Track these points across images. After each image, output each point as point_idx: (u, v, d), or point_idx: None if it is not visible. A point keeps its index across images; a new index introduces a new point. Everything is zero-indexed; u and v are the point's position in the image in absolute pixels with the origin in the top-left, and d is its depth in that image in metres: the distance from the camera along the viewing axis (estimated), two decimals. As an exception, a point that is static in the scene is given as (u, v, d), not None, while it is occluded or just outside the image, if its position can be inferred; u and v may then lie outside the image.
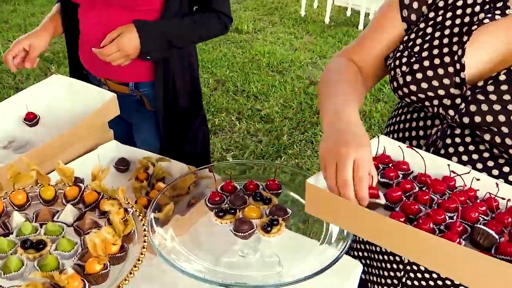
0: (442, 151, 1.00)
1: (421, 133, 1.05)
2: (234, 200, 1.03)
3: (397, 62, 1.02)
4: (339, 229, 0.99)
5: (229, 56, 4.84)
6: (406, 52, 1.02)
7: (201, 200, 1.09)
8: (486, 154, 0.96)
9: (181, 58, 1.70)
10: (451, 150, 0.99)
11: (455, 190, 0.92)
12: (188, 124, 1.79)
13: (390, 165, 0.97)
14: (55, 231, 0.95)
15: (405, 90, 1.00)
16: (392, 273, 1.12)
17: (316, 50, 5.00)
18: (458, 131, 0.98)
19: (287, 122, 3.66)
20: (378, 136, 1.01)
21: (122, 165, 1.32)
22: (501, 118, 0.90)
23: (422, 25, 1.03)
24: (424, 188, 0.92)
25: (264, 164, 1.21)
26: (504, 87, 0.91)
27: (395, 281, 1.11)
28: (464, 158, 0.98)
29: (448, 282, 1.01)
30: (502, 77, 0.91)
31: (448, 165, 0.95)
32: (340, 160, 0.81)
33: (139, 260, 0.88)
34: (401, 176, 0.95)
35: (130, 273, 0.86)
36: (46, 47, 1.71)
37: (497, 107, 0.91)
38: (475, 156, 0.97)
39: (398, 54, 1.03)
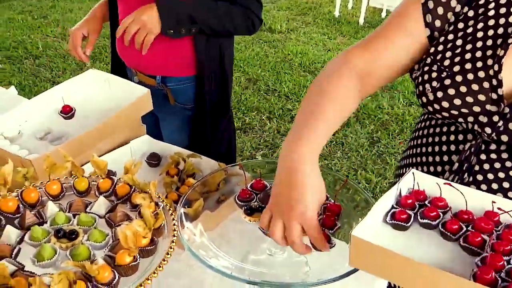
0: (477, 167, 0.96)
1: (452, 147, 1.00)
2: (263, 198, 1.03)
3: (426, 77, 0.96)
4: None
5: (261, 55, 4.84)
6: (435, 66, 0.95)
7: (231, 197, 1.10)
8: None
9: (213, 57, 1.70)
10: (486, 166, 0.95)
11: (500, 226, 0.85)
12: (216, 124, 1.80)
13: (426, 202, 0.92)
14: (87, 222, 0.97)
15: (436, 106, 0.95)
16: None
17: (349, 51, 4.96)
18: (493, 146, 0.94)
19: (318, 123, 3.65)
20: (414, 173, 0.94)
21: (154, 160, 1.34)
22: None
23: (450, 37, 0.96)
24: (470, 228, 0.86)
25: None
26: None
27: None
28: (501, 175, 0.94)
29: None
30: None
31: (493, 202, 0.87)
32: (287, 222, 0.85)
33: (168, 254, 0.89)
34: (441, 215, 0.88)
35: (159, 266, 0.87)
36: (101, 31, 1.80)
37: None
38: None
39: (426, 68, 0.97)
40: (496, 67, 0.89)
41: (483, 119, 0.92)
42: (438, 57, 0.96)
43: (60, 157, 1.06)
